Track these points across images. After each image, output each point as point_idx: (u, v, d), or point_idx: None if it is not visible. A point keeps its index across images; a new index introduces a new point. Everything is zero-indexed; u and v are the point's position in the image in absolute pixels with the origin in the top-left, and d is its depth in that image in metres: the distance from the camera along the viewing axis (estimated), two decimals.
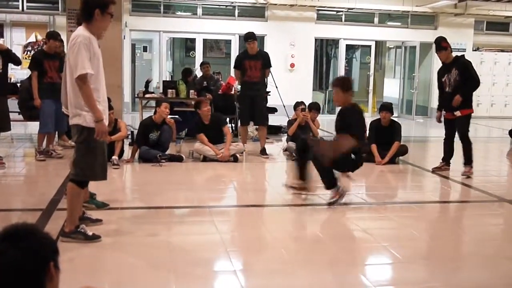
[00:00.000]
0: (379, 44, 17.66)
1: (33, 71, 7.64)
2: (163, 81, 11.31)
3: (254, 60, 8.17)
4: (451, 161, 7.31)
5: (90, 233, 4.11)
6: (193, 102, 10.13)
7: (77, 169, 4.07)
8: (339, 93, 5.48)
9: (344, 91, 5.45)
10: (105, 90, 4.17)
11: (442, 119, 7.30)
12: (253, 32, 8.33)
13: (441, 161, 7.39)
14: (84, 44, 3.85)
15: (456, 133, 7.07)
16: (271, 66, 8.56)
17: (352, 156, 5.52)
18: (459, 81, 6.89)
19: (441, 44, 7.04)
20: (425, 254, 4.11)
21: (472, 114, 7.03)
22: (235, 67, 8.48)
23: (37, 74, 7.49)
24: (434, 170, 7.34)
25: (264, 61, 8.29)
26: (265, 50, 13.93)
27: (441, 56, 7.10)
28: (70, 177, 4.11)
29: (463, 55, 7.41)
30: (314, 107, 9.06)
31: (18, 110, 9.18)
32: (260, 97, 8.48)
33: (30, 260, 1.49)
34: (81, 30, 3.95)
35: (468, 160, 7.03)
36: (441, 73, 7.22)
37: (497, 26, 16.63)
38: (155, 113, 7.83)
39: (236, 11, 14.77)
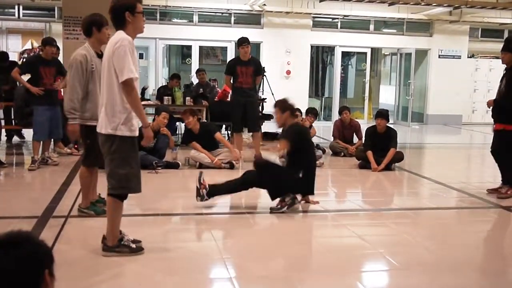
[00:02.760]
0: (375, 51, 17.72)
1: (18, 67, 7.66)
2: (158, 88, 11.30)
3: (246, 66, 8.20)
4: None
5: (134, 245, 4.03)
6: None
7: (112, 182, 3.88)
8: (278, 113, 5.73)
9: (282, 112, 5.69)
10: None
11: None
12: (246, 37, 8.37)
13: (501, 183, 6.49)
14: (130, 48, 3.76)
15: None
16: (261, 74, 8.58)
17: (300, 175, 5.56)
18: (504, 93, 6.19)
19: (510, 45, 6.19)
20: (421, 260, 4.11)
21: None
22: (226, 73, 8.48)
23: (32, 79, 7.48)
24: (490, 192, 6.50)
25: (256, 68, 8.32)
26: (261, 57, 14.02)
27: (504, 57, 6.26)
28: (107, 191, 3.94)
29: None
30: (311, 112, 9.09)
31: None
32: (252, 103, 8.43)
33: (25, 268, 1.49)
34: (123, 34, 3.81)
35: (506, 178, 6.36)
36: (501, 77, 6.44)
37: (492, 33, 16.71)
38: (153, 120, 7.84)
39: (232, 18, 14.81)
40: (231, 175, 7.46)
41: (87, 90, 4.87)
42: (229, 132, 10.49)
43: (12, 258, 1.48)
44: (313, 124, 9.04)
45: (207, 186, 5.51)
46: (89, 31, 5.06)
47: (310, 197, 5.81)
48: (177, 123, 10.77)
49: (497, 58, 16.39)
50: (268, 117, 10.63)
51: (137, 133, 3.93)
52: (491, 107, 6.43)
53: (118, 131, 3.80)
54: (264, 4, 14.20)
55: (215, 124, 8.97)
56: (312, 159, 5.76)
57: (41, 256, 1.56)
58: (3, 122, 9.18)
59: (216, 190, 5.57)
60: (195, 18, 14.68)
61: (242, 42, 8.25)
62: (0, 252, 1.49)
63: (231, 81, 8.37)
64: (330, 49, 16.53)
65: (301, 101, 13.51)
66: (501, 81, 6.38)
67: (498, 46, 17.27)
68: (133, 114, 3.85)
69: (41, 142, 7.56)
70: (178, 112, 9.99)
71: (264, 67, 9.63)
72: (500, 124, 6.25)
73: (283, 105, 5.77)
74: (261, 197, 6.11)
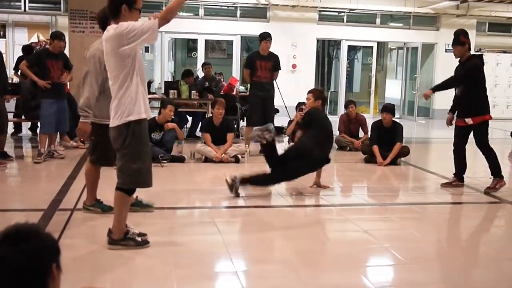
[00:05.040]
0: (381, 45, 17.66)
1: (26, 60, 7.65)
2: (165, 82, 11.31)
3: (266, 60, 8.27)
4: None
5: (139, 239, 4.03)
6: (195, 103, 10.19)
7: (124, 177, 3.87)
8: (311, 99, 6.31)
9: (315, 100, 6.27)
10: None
11: (454, 122, 6.65)
12: (269, 32, 8.43)
13: (453, 175, 6.61)
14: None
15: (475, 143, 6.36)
16: (280, 69, 8.61)
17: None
18: (466, 87, 6.20)
19: (459, 38, 6.30)
20: (426, 255, 4.11)
21: None
22: (246, 66, 8.50)
23: (39, 72, 7.48)
24: (443, 186, 6.58)
25: (275, 63, 8.39)
26: None
27: (456, 51, 6.32)
28: (117, 185, 3.93)
29: (480, 56, 6.63)
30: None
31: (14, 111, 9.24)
32: (270, 98, 8.49)
33: (32, 262, 1.49)
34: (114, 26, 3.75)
35: (494, 171, 6.32)
36: (455, 72, 6.45)
37: (499, 27, 16.62)
38: (159, 113, 7.84)
39: (238, 12, 14.78)
40: (237, 168, 7.48)
41: (104, 88, 4.56)
42: (235, 126, 10.48)
43: (21, 252, 1.48)
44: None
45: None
46: (105, 26, 4.94)
47: (321, 182, 6.08)
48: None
49: (504, 52, 16.32)
50: (275, 111, 10.60)
51: (145, 116, 3.85)
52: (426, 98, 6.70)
53: (130, 116, 3.75)
54: None
55: (234, 122, 8.98)
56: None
57: (49, 250, 1.56)
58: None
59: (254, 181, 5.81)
60: (201, 11, 14.66)
61: (265, 36, 8.30)
62: (7, 247, 1.49)
63: (250, 75, 8.38)
64: (336, 43, 16.49)
65: (306, 95, 13.47)
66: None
67: (505, 40, 17.27)
68: (138, 98, 3.78)
69: (47, 135, 7.58)
70: (183, 104, 10.02)
71: None
72: (477, 117, 6.20)
73: (318, 95, 6.42)
74: (267, 191, 6.11)
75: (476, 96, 6.22)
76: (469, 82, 6.20)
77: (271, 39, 8.33)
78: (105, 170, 4.96)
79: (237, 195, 5.66)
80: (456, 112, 6.52)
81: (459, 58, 6.37)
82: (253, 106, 8.53)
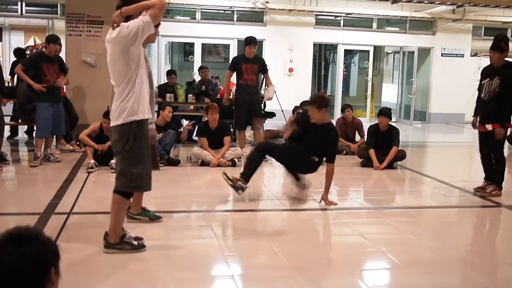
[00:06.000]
0: (378, 49, 17.67)
1: (21, 64, 7.63)
2: (160, 85, 11.29)
3: (251, 63, 8.26)
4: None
5: (136, 243, 4.02)
6: (191, 107, 10.21)
7: (123, 180, 3.87)
8: (314, 110, 5.71)
9: (319, 109, 5.70)
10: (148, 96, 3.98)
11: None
12: (255, 37, 8.43)
13: (483, 180, 6.52)
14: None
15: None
16: (267, 71, 8.62)
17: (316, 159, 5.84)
18: (498, 93, 6.10)
19: (500, 44, 6.14)
20: (423, 259, 4.11)
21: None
22: (230, 68, 8.50)
23: (34, 75, 7.46)
24: (477, 191, 6.46)
25: (260, 66, 8.39)
26: (263, 55, 13.99)
27: (493, 56, 6.21)
28: (115, 188, 3.93)
29: None
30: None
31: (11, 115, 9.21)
32: (256, 101, 8.53)
33: (32, 265, 1.49)
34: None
35: (496, 178, 6.37)
36: (484, 74, 6.41)
37: (495, 31, 16.56)
38: (158, 115, 7.85)
39: (235, 16, 14.79)
40: (233, 172, 7.47)
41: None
42: (232, 129, 10.48)
43: (20, 255, 1.48)
44: None
45: (238, 177, 5.65)
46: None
47: (329, 198, 5.78)
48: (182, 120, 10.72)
49: None
50: (271, 115, 10.63)
51: (147, 116, 3.90)
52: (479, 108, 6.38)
53: (134, 115, 3.77)
54: (267, 2, 14.18)
55: (229, 125, 8.99)
56: None
57: (49, 255, 1.56)
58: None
59: (248, 173, 5.70)
60: (198, 15, 14.67)
61: (251, 42, 8.29)
62: (8, 250, 1.49)
63: (236, 78, 8.39)
64: (333, 47, 16.51)
65: (304, 99, 13.48)
66: (486, 79, 6.29)
67: None
68: (142, 98, 3.82)
69: (44, 139, 7.56)
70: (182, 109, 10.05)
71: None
72: (498, 124, 6.16)
73: (320, 102, 5.77)
74: (263, 195, 6.12)
75: (501, 103, 6.12)
76: (504, 87, 6.11)
77: (256, 44, 8.36)
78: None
79: (241, 189, 5.64)
80: (479, 118, 6.44)
81: (492, 63, 6.28)
82: (239, 110, 8.54)
